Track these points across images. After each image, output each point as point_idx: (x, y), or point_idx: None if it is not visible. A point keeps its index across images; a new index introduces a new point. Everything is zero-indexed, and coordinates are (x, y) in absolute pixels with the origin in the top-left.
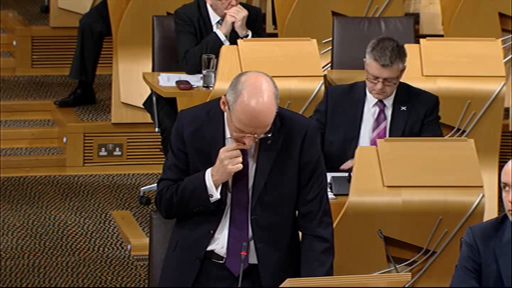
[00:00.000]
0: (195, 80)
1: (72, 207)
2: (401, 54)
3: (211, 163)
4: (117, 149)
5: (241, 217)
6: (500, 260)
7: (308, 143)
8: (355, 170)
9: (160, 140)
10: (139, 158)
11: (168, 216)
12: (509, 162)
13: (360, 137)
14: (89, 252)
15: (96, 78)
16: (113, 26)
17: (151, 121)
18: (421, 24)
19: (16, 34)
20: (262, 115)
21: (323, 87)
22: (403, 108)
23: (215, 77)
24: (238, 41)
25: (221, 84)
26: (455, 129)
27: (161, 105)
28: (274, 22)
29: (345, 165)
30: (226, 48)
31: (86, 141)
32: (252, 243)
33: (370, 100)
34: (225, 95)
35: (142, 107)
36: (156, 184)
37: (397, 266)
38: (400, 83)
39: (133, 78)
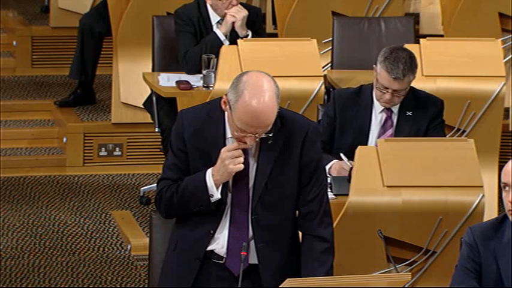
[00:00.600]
0: (195, 80)
1: (72, 207)
2: (413, 67)
3: (211, 163)
4: (117, 149)
5: (242, 217)
6: (500, 260)
7: (309, 144)
8: (355, 170)
9: (160, 140)
10: (140, 158)
11: (168, 216)
12: (509, 162)
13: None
14: (89, 252)
15: (96, 78)
16: (113, 26)
17: (151, 121)
18: (421, 24)
19: (16, 34)
20: (264, 115)
21: (323, 87)
22: (409, 113)
23: (215, 77)
24: (238, 41)
25: (221, 84)
26: (455, 129)
27: (161, 105)
28: (274, 22)
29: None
30: (226, 48)
31: (86, 141)
32: (252, 243)
33: (377, 107)
34: (226, 95)
35: (142, 107)
36: (156, 184)
37: (397, 266)
38: None
39: (133, 78)
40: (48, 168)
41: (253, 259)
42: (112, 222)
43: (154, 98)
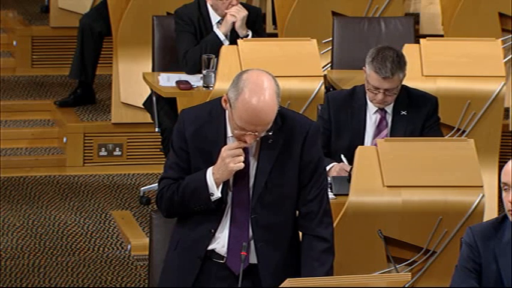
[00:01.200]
0: (195, 80)
1: (72, 207)
2: (401, 64)
3: (212, 162)
4: (117, 149)
5: (242, 216)
6: (500, 260)
7: (309, 143)
8: (355, 170)
9: (160, 140)
10: (139, 158)
11: (169, 215)
12: (509, 162)
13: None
14: (89, 252)
15: (96, 78)
16: (113, 26)
17: (151, 121)
18: (421, 24)
19: (16, 34)
20: (263, 113)
21: (323, 87)
22: (403, 112)
23: (215, 77)
24: (238, 41)
25: (221, 84)
26: (455, 129)
27: (161, 105)
28: (274, 22)
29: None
30: (226, 48)
31: (86, 141)
32: (252, 242)
33: (371, 108)
34: (226, 93)
35: (142, 107)
36: (156, 184)
37: (397, 266)
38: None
39: (133, 78)
40: (48, 168)
41: (253, 259)
42: (112, 222)
43: (154, 98)
